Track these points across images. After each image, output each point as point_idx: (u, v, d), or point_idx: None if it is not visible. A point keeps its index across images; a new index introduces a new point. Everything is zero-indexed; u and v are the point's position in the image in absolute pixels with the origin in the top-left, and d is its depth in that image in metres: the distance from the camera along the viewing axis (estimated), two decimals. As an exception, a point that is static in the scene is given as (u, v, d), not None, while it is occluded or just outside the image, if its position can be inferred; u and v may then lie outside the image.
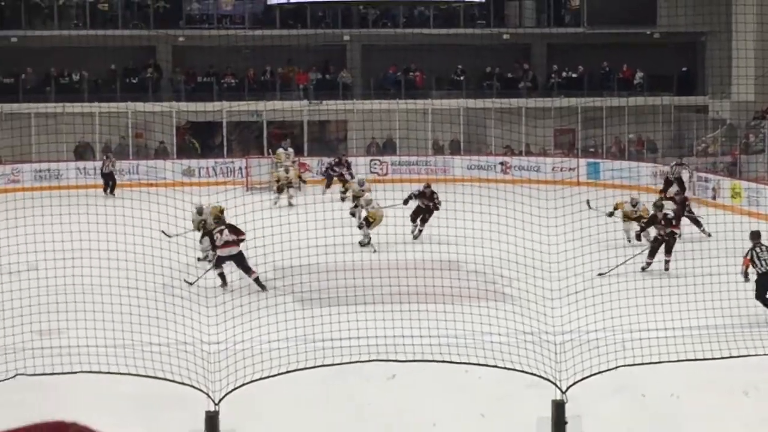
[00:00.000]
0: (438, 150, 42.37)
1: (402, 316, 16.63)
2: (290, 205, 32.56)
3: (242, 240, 22.44)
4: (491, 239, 18.09)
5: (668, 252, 23.57)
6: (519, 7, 46.04)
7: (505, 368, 14.07)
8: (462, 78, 43.52)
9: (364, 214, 26.67)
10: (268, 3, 43.79)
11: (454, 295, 17.66)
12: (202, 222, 25.09)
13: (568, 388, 7.14)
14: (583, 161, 40.53)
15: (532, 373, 10.29)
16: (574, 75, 44.33)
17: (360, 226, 26.72)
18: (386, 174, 40.07)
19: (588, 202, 23.08)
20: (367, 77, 44.66)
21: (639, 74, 43.74)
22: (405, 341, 13.99)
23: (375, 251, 25.13)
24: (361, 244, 26.26)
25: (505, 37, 44.29)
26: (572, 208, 18.15)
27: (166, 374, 9.56)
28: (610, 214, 26.57)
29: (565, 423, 6.87)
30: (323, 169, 38.36)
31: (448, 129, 41.43)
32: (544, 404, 7.03)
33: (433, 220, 25.10)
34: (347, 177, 35.27)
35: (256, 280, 21.89)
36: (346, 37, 44.45)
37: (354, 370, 13.86)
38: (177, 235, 22.95)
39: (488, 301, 18.19)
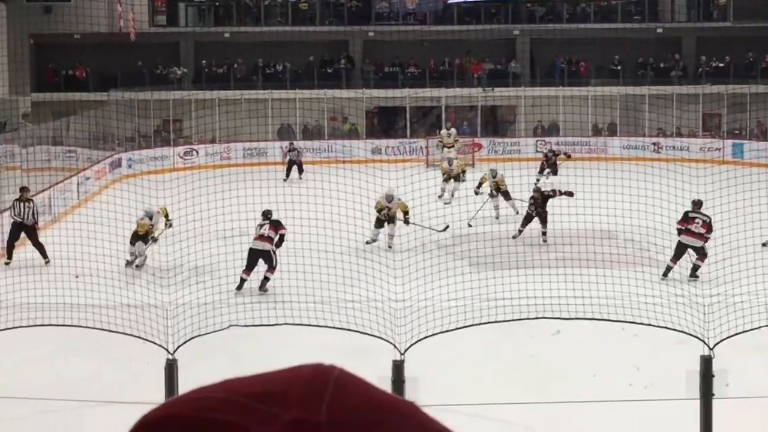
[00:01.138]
0: (597, 132, 42.05)
1: (565, 279, 16.66)
2: (451, 195, 30.17)
3: (282, 235, 20.54)
4: (645, 211, 18.09)
5: None
6: (671, 3, 45.41)
7: (657, 326, 13.96)
8: (619, 67, 42.97)
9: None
10: (448, 2, 44.06)
11: (612, 261, 17.61)
12: (151, 227, 22.71)
13: (715, 345, 7.08)
14: (728, 142, 39.99)
15: (682, 331, 10.21)
16: (721, 65, 43.36)
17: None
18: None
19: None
20: (534, 67, 44.37)
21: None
22: (568, 301, 13.97)
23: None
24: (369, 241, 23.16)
25: (658, 30, 43.83)
26: (720, 184, 18.03)
27: (359, 327, 9.71)
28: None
29: (713, 376, 6.82)
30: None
31: (607, 113, 41.24)
32: (693, 359, 6.99)
33: (589, 195, 24.23)
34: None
35: (265, 279, 20.08)
36: (516, 32, 44.06)
37: (522, 327, 13.87)
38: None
39: (642, 266, 18.41)
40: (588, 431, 12.62)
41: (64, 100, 40.35)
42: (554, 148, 36.40)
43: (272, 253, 20.28)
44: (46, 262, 21.98)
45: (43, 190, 28.16)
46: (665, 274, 19.35)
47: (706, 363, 6.93)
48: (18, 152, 29.90)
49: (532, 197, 24.72)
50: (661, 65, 44.24)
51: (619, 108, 41.85)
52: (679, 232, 19.55)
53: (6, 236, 23.28)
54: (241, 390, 0.63)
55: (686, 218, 19.64)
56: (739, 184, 22.06)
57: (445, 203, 27.83)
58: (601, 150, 39.62)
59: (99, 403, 13.07)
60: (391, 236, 23.20)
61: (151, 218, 22.60)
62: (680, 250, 19.40)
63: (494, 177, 26.08)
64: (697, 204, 19.88)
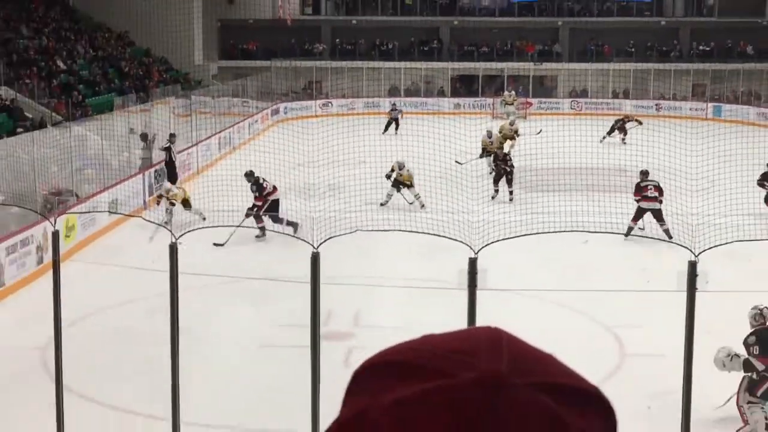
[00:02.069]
0: (615, 95, 41.50)
1: (592, 200, 16.26)
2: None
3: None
4: (649, 155, 17.61)
5: None
6: (672, 2, 44.89)
7: (658, 239, 13.80)
8: (633, 49, 42.81)
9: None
10: (512, 0, 43.78)
11: (626, 187, 17.10)
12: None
13: (699, 253, 6.93)
14: (710, 105, 39.12)
15: (677, 243, 10.02)
16: (707, 48, 43.34)
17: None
18: (581, 110, 39.46)
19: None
20: (571, 48, 43.79)
21: None
22: (593, 218, 13.70)
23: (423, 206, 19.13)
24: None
25: (662, 23, 44.12)
26: (704, 135, 17.67)
27: (445, 232, 9.69)
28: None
29: (696, 276, 6.67)
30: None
31: (623, 82, 41.41)
32: (683, 264, 6.86)
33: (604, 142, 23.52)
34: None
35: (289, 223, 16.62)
36: (559, 23, 43.89)
37: (562, 237, 13.53)
38: (467, 162, 21.73)
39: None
40: (610, 306, 12.50)
41: (241, 66, 40.82)
42: (629, 113, 32.48)
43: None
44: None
45: (225, 129, 28.64)
46: (627, 234, 16.26)
47: (692, 266, 6.78)
48: (209, 102, 30.30)
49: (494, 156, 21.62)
50: (663, 48, 43.69)
51: (631, 79, 41.61)
52: (637, 200, 16.77)
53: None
54: (441, 345, 0.60)
55: (639, 188, 16.92)
56: (718, 135, 21.53)
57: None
58: (617, 108, 39.21)
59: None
60: (412, 200, 19.66)
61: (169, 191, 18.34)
62: (639, 213, 16.57)
63: (400, 169, 20.23)
64: (645, 173, 17.27)
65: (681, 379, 6.71)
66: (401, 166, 19.85)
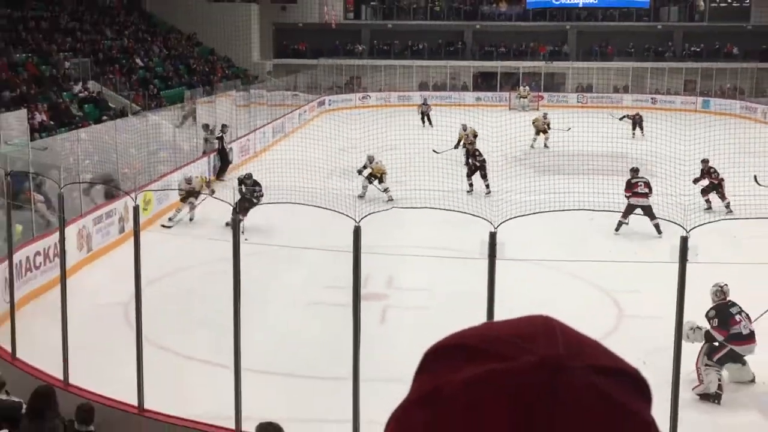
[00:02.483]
0: (616, 90, 40.87)
1: (596, 183, 16.04)
2: (544, 146, 25.19)
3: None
4: (646, 141, 17.40)
5: None
6: (668, 9, 44.04)
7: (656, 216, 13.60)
8: (632, 50, 42.07)
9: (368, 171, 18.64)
10: (526, 8, 43.27)
11: (623, 171, 16.82)
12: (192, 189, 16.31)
13: (690, 229, 6.84)
14: (700, 99, 38.65)
15: (670, 221, 9.90)
16: (698, 50, 42.63)
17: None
18: (587, 103, 39.03)
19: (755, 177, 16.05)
20: (578, 49, 43.25)
21: None
22: (596, 198, 13.55)
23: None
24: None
25: (658, 27, 43.10)
26: (694, 125, 17.36)
27: (469, 210, 9.64)
28: None
29: (687, 249, 6.59)
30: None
31: (623, 79, 40.67)
32: (676, 238, 6.78)
33: (609, 129, 22.94)
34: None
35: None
36: (568, 27, 43.36)
37: (571, 215, 13.34)
38: (444, 152, 21.14)
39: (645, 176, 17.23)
40: (611, 275, 12.41)
41: (292, 63, 40.67)
42: (640, 112, 29.90)
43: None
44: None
45: (278, 118, 28.68)
46: (617, 229, 15.07)
47: (684, 241, 6.68)
48: (265, 94, 30.30)
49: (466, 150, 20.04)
50: (659, 49, 43.07)
51: (631, 75, 41.00)
52: (627, 197, 15.19)
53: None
54: (502, 331, 0.59)
55: (629, 185, 15.39)
56: (707, 125, 21.21)
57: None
58: (617, 102, 38.91)
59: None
60: (384, 191, 18.01)
61: (189, 182, 16.42)
62: (629, 209, 14.96)
63: (371, 162, 18.54)
64: (635, 170, 15.92)
65: (673, 338, 6.67)
66: (371, 160, 18.37)
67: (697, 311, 8.76)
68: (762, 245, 13.38)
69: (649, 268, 12.63)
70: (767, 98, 36.40)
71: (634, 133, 27.66)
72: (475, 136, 21.74)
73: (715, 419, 8.27)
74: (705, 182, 17.15)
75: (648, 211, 14.69)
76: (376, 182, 18.26)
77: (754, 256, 12.61)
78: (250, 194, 14.87)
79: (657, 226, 14.11)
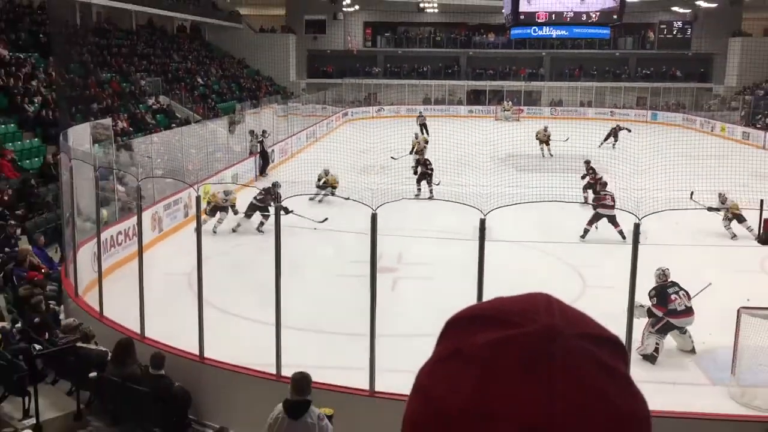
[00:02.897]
0: (582, 104, 40.59)
1: (566, 180, 15.79)
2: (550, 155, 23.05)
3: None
4: (604, 145, 17.21)
5: None
6: (624, 39, 43.48)
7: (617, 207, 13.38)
8: (595, 72, 41.45)
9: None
10: (510, 38, 42.69)
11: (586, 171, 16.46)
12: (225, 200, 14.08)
13: (642, 217, 6.78)
14: (650, 112, 38.41)
15: (626, 210, 9.78)
16: (648, 72, 42.33)
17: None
18: (558, 115, 38.74)
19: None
20: (552, 73, 42.88)
21: None
22: (570, 192, 13.34)
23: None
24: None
25: (617, 54, 42.45)
26: (645, 133, 17.14)
27: (464, 201, 9.60)
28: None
29: (639, 233, 6.54)
30: None
31: (588, 95, 40.17)
32: (630, 225, 6.72)
33: (574, 136, 22.35)
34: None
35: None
36: (543, 53, 42.80)
37: (546, 205, 13.26)
38: (401, 157, 19.76)
39: (603, 174, 16.85)
40: (577, 254, 12.32)
41: (322, 82, 40.57)
42: (621, 124, 26.82)
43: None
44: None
45: (311, 126, 28.60)
46: (583, 237, 13.55)
47: (636, 227, 6.65)
48: (300, 107, 30.25)
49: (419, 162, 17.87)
50: (617, 72, 42.76)
51: (594, 93, 40.76)
52: (594, 207, 13.87)
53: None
54: (510, 305, 0.59)
55: (598, 197, 14.17)
56: (655, 133, 21.07)
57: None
58: (582, 114, 38.66)
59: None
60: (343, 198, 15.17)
61: (228, 195, 14.19)
62: (596, 217, 13.60)
63: (326, 175, 16.88)
64: (604, 185, 14.72)
65: (627, 304, 6.65)
66: (327, 173, 16.93)
67: (650, 282, 8.71)
68: (699, 230, 13.30)
69: (608, 248, 12.59)
70: (704, 112, 36.12)
71: (614, 145, 24.65)
72: (426, 142, 20.73)
73: (656, 375, 8.19)
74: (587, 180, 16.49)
75: (612, 220, 13.48)
76: (329, 190, 16.54)
77: (694, 239, 12.55)
78: (275, 198, 13.66)
79: (621, 233, 13.01)
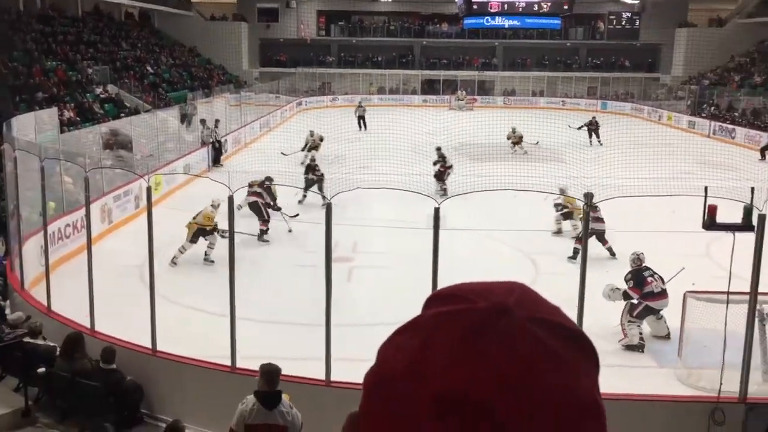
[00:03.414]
0: (534, 94, 41.09)
1: (526, 168, 15.92)
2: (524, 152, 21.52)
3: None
4: (559, 133, 17.31)
5: None
6: (575, 30, 44.11)
7: (574, 197, 13.47)
8: (547, 62, 41.96)
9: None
10: (463, 27, 42.87)
11: (546, 158, 16.74)
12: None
13: (597, 203, 6.83)
14: (599, 101, 39.12)
15: (578, 199, 9.94)
16: (598, 62, 42.74)
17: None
18: (511, 104, 39.12)
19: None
20: (505, 63, 43.18)
21: None
22: (523, 180, 13.39)
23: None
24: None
25: (568, 44, 42.80)
26: (595, 121, 17.28)
27: (418, 190, 9.61)
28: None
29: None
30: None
31: (539, 85, 40.56)
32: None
33: (532, 124, 22.41)
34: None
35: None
36: (496, 43, 42.89)
37: (499, 194, 13.29)
38: (292, 153, 18.82)
39: (557, 163, 17.06)
40: (530, 241, 12.45)
41: (275, 71, 40.09)
42: (597, 120, 24.17)
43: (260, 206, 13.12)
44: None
45: (264, 115, 28.33)
46: (573, 258, 11.27)
47: (587, 214, 6.72)
48: (253, 96, 29.91)
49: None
50: (568, 62, 43.07)
51: (546, 83, 41.21)
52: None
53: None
54: (473, 286, 0.62)
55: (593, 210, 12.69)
56: (605, 122, 21.45)
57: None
58: (534, 103, 39.14)
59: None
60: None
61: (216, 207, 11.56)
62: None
63: (312, 135, 17.08)
64: (592, 207, 13.34)
65: (578, 289, 6.76)
66: (312, 133, 17.78)
67: (601, 267, 8.87)
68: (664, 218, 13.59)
69: (560, 235, 12.80)
70: (652, 101, 36.94)
71: (591, 141, 23.40)
72: (321, 139, 19.77)
73: (640, 363, 8.33)
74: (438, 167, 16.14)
75: (601, 237, 11.70)
76: (313, 154, 16.59)
77: (638, 226, 12.83)
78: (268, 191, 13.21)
79: (610, 249, 11.72)
